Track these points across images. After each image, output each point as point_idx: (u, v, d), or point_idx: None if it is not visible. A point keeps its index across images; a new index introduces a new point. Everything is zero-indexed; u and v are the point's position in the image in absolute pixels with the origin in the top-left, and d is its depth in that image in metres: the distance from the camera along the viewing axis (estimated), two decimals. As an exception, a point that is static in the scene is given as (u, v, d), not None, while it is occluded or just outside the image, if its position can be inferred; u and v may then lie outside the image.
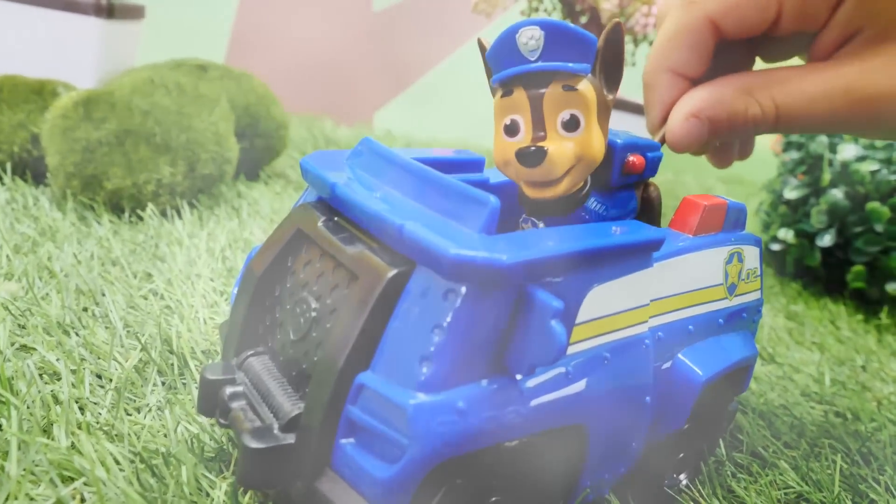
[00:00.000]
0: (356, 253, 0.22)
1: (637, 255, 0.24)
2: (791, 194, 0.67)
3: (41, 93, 0.55)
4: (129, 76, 0.57)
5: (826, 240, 0.63)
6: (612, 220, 0.26)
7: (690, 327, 0.28)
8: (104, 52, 0.62)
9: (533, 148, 0.24)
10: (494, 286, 0.20)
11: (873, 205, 0.60)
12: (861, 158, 0.62)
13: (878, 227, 0.60)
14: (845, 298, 0.65)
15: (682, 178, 1.15)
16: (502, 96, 0.24)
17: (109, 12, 0.61)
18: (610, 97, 0.25)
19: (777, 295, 0.63)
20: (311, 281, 0.24)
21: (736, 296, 0.30)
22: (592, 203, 0.26)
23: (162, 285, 0.40)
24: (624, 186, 0.27)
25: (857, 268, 0.62)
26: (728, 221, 0.30)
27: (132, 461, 0.25)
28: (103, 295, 0.38)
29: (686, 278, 0.27)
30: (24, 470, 0.23)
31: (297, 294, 0.24)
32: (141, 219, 0.50)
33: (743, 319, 0.31)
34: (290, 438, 0.21)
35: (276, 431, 0.22)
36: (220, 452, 0.27)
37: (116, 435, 0.27)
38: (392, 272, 0.21)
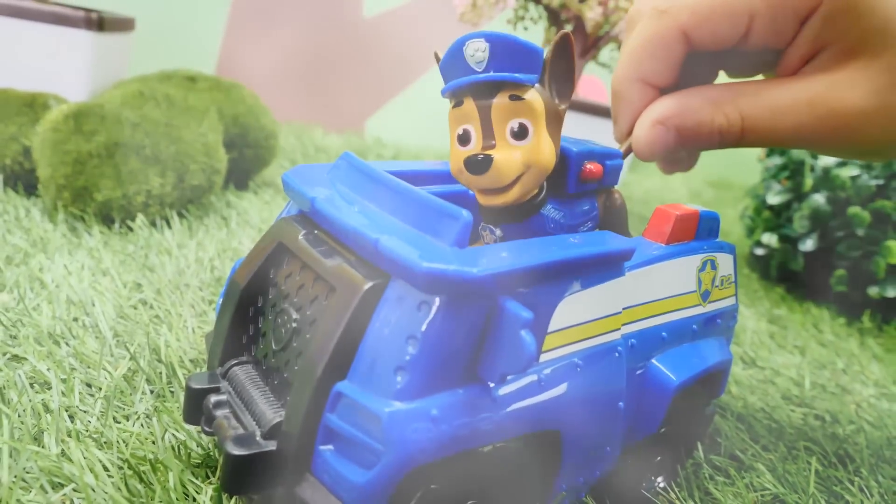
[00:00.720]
0: (334, 266, 0.23)
1: (608, 265, 0.25)
2: (774, 199, 0.68)
3: (33, 105, 0.55)
4: (120, 89, 0.58)
5: (808, 244, 0.64)
6: (572, 228, 0.27)
7: (664, 334, 0.28)
8: (95, 65, 0.63)
9: (480, 156, 0.24)
10: (466, 298, 0.20)
11: (854, 209, 0.61)
12: (842, 164, 0.63)
13: (860, 232, 0.61)
14: (828, 302, 0.66)
15: (670, 184, 1.16)
16: (454, 107, 0.25)
17: (100, 25, 0.61)
18: (561, 107, 0.25)
19: (761, 299, 0.64)
20: (292, 292, 0.24)
21: (710, 302, 0.31)
22: (549, 210, 0.27)
23: (151, 295, 0.41)
24: (583, 194, 0.28)
25: (840, 272, 0.63)
26: (701, 230, 0.31)
27: (120, 468, 0.26)
28: (93, 305, 0.38)
29: (659, 286, 0.28)
30: (16, 477, 0.24)
31: (279, 305, 0.25)
32: (131, 229, 0.51)
33: (718, 325, 0.32)
34: (272, 445, 0.22)
35: (258, 439, 0.22)
36: (206, 458, 0.27)
37: (105, 442, 0.27)
38: (368, 284, 0.21)
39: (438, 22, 1.11)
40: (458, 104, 0.25)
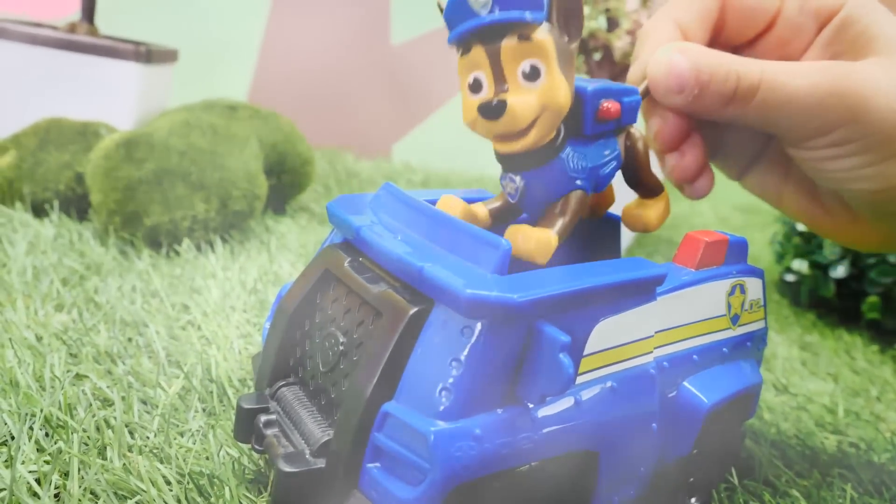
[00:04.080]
0: (380, 292, 0.24)
1: (641, 290, 0.26)
2: (804, 226, 0.68)
3: (84, 134, 0.58)
4: (167, 118, 0.60)
5: (840, 271, 0.64)
6: (594, 170, 0.26)
7: (695, 356, 0.29)
8: (142, 95, 0.66)
9: (494, 101, 0.24)
10: (507, 322, 0.22)
11: (887, 235, 0.61)
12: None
13: (892, 259, 0.61)
14: (860, 329, 0.65)
15: (698, 209, 1.16)
16: (462, 55, 0.25)
17: (147, 57, 0.65)
18: (572, 44, 0.24)
19: (792, 325, 0.64)
20: (339, 317, 0.26)
21: (739, 325, 0.32)
22: (568, 153, 0.26)
23: (199, 317, 0.43)
24: (601, 134, 0.27)
25: (872, 298, 0.62)
26: (730, 255, 0.31)
27: (180, 482, 0.27)
28: (146, 326, 0.40)
29: (689, 310, 0.29)
30: (84, 489, 0.25)
31: (326, 329, 0.26)
32: (178, 253, 0.53)
33: (747, 348, 0.32)
34: (321, 463, 0.23)
35: (307, 456, 0.24)
36: (258, 475, 0.29)
37: (164, 457, 0.29)
38: (413, 310, 0.23)
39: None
40: (465, 52, 0.25)
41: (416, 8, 1.17)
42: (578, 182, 0.26)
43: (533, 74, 0.24)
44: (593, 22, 0.71)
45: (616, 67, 0.75)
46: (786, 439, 0.41)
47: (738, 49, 0.32)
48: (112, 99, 0.65)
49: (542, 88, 0.24)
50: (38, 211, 0.56)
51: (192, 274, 0.49)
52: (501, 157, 0.26)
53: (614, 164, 0.27)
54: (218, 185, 0.55)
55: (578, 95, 0.26)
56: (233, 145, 0.59)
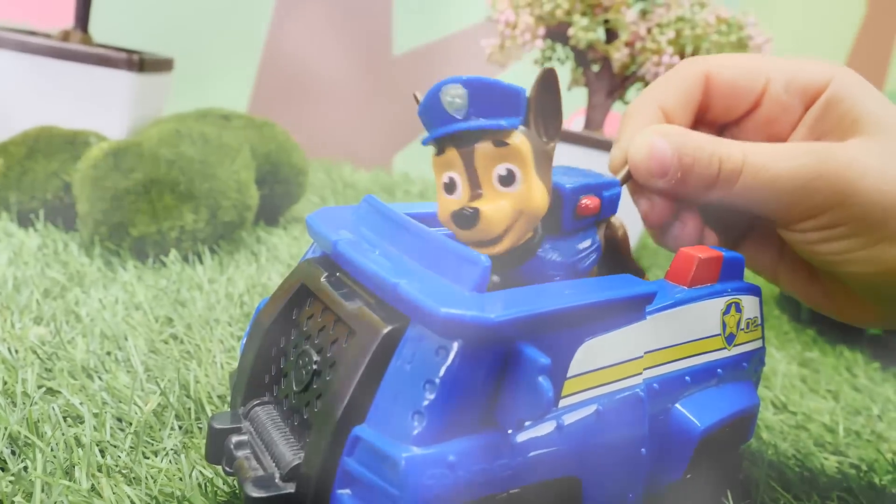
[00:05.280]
0: (355, 308, 0.23)
1: (629, 309, 0.25)
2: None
3: (74, 143, 0.58)
4: (157, 127, 0.60)
5: (842, 284, 0.62)
6: (572, 266, 0.26)
7: (687, 378, 0.28)
8: (135, 104, 0.65)
9: (468, 210, 0.23)
10: (484, 343, 0.21)
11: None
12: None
13: None
14: (862, 346, 0.64)
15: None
16: (436, 155, 0.24)
17: (141, 66, 0.64)
18: (550, 145, 0.24)
19: (791, 342, 0.63)
20: (314, 334, 0.25)
21: (735, 346, 0.31)
22: (546, 251, 0.26)
23: (182, 329, 0.42)
24: (581, 229, 0.27)
25: (875, 313, 0.61)
26: (724, 272, 0.30)
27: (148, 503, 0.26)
28: (126, 339, 0.39)
29: (682, 330, 0.28)
30: (44, 513, 0.24)
31: (301, 346, 0.25)
32: (164, 264, 0.52)
33: (744, 369, 0.31)
34: (291, 488, 0.22)
35: (277, 481, 0.23)
36: (232, 497, 0.28)
37: (134, 478, 0.28)
38: (387, 328, 0.22)
39: (465, 60, 1.13)
40: (440, 152, 0.24)
41: (417, 19, 1.17)
42: (557, 279, 0.26)
43: (508, 179, 0.23)
44: (592, 33, 0.70)
45: (615, 79, 0.74)
46: (784, 460, 0.40)
47: (723, 128, 0.32)
48: (104, 108, 0.64)
49: (518, 193, 0.23)
50: (25, 221, 0.56)
51: (178, 285, 0.48)
52: None
53: (594, 256, 0.27)
54: (207, 195, 0.54)
55: (557, 192, 0.26)
56: (223, 155, 0.58)
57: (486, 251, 0.24)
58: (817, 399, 0.50)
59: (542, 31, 0.71)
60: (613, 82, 0.74)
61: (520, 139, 0.23)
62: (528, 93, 0.23)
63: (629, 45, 0.71)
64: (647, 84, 0.75)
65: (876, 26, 1.15)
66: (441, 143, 0.24)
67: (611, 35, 0.73)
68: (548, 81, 0.23)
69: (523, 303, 0.21)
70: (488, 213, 0.23)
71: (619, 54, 0.70)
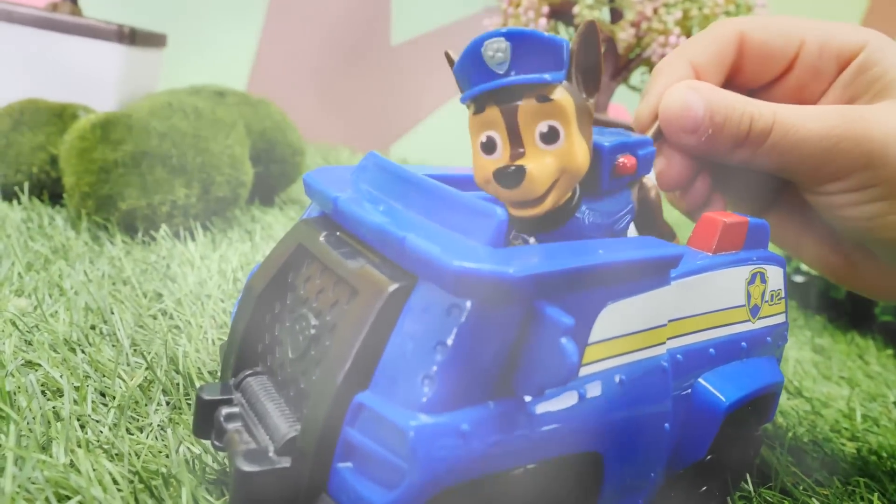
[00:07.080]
0: (357, 267, 0.21)
1: (654, 272, 0.23)
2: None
3: (62, 116, 0.55)
4: (148, 100, 0.57)
5: (854, 269, 0.61)
6: (610, 227, 0.25)
7: (711, 350, 0.26)
8: (125, 78, 0.63)
9: (512, 168, 0.22)
10: (501, 301, 0.19)
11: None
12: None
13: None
14: (873, 332, 0.62)
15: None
16: (475, 113, 0.23)
17: (131, 39, 0.62)
18: (590, 101, 0.23)
19: (802, 328, 0.61)
20: (312, 297, 0.23)
21: (759, 318, 0.29)
22: (584, 212, 0.25)
23: (171, 305, 0.40)
24: (616, 190, 0.26)
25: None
26: (749, 240, 0.28)
27: (131, 481, 0.24)
28: (112, 313, 0.37)
29: (706, 298, 0.26)
30: (19, 487, 0.22)
31: (297, 311, 0.23)
32: (154, 239, 0.50)
33: (767, 344, 0.30)
34: (286, 462, 0.20)
35: (270, 454, 0.21)
36: (222, 474, 0.26)
37: (116, 454, 0.26)
38: (393, 286, 0.20)
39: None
40: (479, 110, 0.23)
41: (416, 9, 1.16)
42: None
43: (551, 136, 0.22)
44: (596, 12, 0.68)
45: (620, 60, 0.72)
46: (802, 445, 0.38)
47: (753, 93, 0.31)
48: (93, 82, 0.62)
49: (561, 151, 0.22)
50: (9, 195, 0.53)
51: (168, 261, 0.46)
52: (514, 217, 0.25)
53: (628, 217, 0.26)
54: (200, 169, 0.52)
55: (595, 152, 0.24)
56: (217, 129, 0.56)
57: (529, 211, 0.23)
58: (831, 385, 0.49)
59: (546, 10, 0.69)
60: (618, 64, 0.72)
61: (563, 95, 0.22)
62: (570, 46, 0.22)
63: (635, 25, 0.69)
64: (652, 67, 0.73)
65: (882, 11, 1.14)
66: (481, 101, 0.23)
67: (616, 15, 0.70)
68: (589, 35, 0.22)
69: (543, 258, 0.19)
70: (534, 171, 0.22)
71: (624, 34, 0.68)
